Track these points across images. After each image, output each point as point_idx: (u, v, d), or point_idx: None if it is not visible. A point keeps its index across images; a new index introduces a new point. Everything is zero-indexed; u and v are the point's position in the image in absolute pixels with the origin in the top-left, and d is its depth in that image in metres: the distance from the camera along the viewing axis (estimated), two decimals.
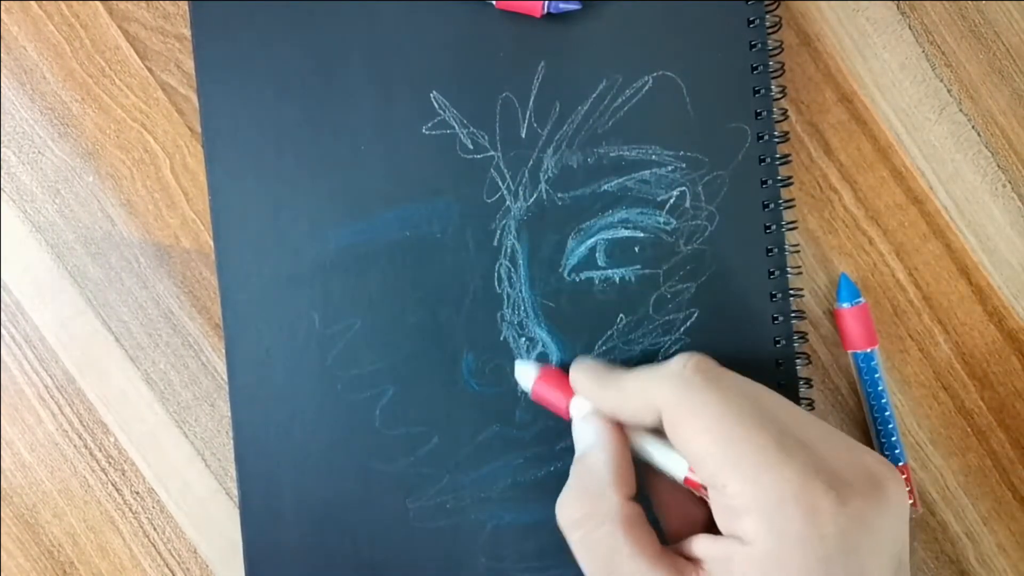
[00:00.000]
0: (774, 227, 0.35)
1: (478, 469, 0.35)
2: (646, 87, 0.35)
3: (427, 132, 0.35)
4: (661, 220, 0.35)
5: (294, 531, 0.35)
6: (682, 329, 0.35)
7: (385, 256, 0.35)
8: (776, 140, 0.35)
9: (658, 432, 0.30)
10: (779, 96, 0.35)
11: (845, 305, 0.37)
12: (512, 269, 0.35)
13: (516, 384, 0.35)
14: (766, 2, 0.35)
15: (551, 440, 0.35)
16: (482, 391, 0.35)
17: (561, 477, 0.35)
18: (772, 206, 0.35)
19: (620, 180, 0.35)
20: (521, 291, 0.35)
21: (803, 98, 0.37)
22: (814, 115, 0.37)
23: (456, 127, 0.35)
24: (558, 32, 0.34)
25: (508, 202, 0.35)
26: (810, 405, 0.35)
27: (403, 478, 0.35)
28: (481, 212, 0.35)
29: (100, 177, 0.37)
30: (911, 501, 0.37)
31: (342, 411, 0.35)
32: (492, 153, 0.35)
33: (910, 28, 0.37)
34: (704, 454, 0.27)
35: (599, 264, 0.35)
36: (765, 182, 0.35)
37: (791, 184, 0.36)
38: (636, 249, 0.35)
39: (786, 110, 0.36)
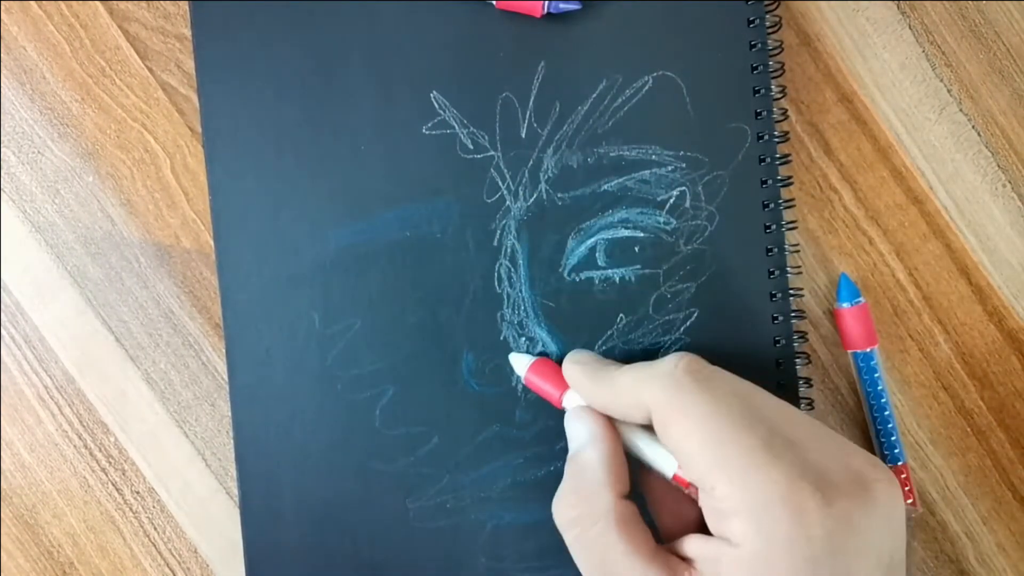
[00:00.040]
0: (774, 227, 0.35)
1: (478, 469, 0.35)
2: (646, 87, 0.35)
3: (427, 132, 0.35)
4: (661, 220, 0.35)
5: (294, 531, 0.35)
6: (682, 329, 0.35)
7: (385, 256, 0.35)
8: (776, 140, 0.35)
9: (649, 428, 0.30)
10: (779, 96, 0.35)
11: (845, 305, 0.37)
12: (512, 269, 0.35)
13: (516, 384, 0.35)
14: (766, 2, 0.35)
15: (551, 440, 0.35)
16: (482, 391, 0.35)
17: (561, 477, 0.35)
18: (772, 206, 0.35)
19: (620, 180, 0.35)
20: (521, 291, 0.35)
21: (803, 98, 0.37)
22: (814, 115, 0.37)
23: (456, 127, 0.35)
24: (558, 32, 0.34)
25: (508, 202, 0.35)
26: (810, 405, 0.35)
27: (403, 478, 0.35)
28: (481, 212, 0.35)
29: (100, 177, 0.37)
30: (910, 500, 0.37)
31: (342, 411, 0.35)
32: (492, 153, 0.35)
33: (910, 28, 0.37)
34: (693, 455, 0.27)
35: (599, 264, 0.35)
36: (765, 182, 0.35)
37: (791, 184, 0.36)
38: (636, 249, 0.35)
39: (786, 110, 0.36)
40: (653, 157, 0.35)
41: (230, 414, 0.35)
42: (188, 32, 0.36)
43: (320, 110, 0.35)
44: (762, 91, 0.35)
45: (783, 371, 0.35)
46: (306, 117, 0.35)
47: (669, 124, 0.35)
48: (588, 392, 0.32)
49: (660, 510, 0.32)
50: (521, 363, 0.34)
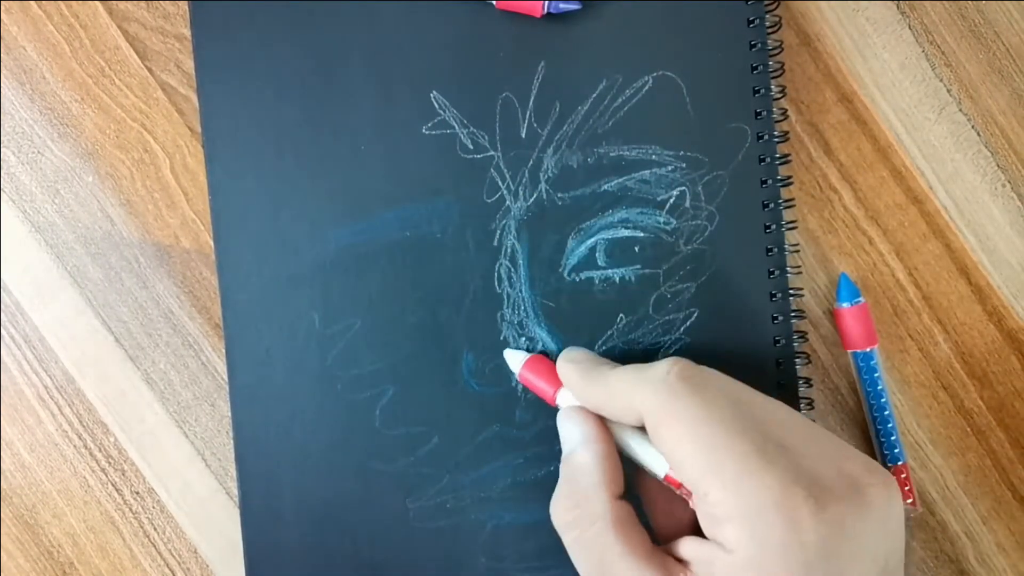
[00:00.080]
0: (774, 227, 0.35)
1: (478, 469, 0.35)
2: (646, 87, 0.35)
3: (427, 132, 0.35)
4: (661, 220, 0.35)
5: (294, 531, 0.35)
6: (682, 329, 0.35)
7: (385, 256, 0.35)
8: (776, 140, 0.35)
9: (642, 428, 0.30)
10: (779, 96, 0.35)
11: (845, 305, 0.37)
12: (512, 269, 0.35)
13: (516, 384, 0.35)
14: (766, 2, 0.35)
15: (551, 440, 0.35)
16: (482, 391, 0.35)
17: None
18: (772, 206, 0.35)
19: (620, 180, 0.35)
20: (521, 291, 0.35)
21: (803, 98, 0.37)
22: (814, 115, 0.37)
23: (456, 127, 0.35)
24: (558, 32, 0.34)
25: (508, 202, 0.35)
26: (810, 405, 0.35)
27: (403, 478, 0.35)
28: (481, 212, 0.35)
29: (100, 177, 0.37)
30: (910, 500, 0.37)
31: (342, 411, 0.35)
32: (492, 153, 0.35)
33: (910, 28, 0.37)
34: (685, 460, 0.27)
35: (599, 264, 0.35)
36: (765, 182, 0.35)
37: (791, 184, 0.36)
38: (636, 249, 0.35)
39: (786, 110, 0.36)
40: (653, 157, 0.35)
41: (230, 414, 0.35)
42: (188, 32, 0.36)
43: (320, 110, 0.35)
44: (762, 91, 0.35)
45: (783, 371, 0.35)
46: (306, 117, 0.35)
47: (669, 124, 0.35)
48: (581, 392, 0.31)
49: (654, 510, 0.32)
50: (516, 360, 0.34)
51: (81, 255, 0.37)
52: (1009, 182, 0.38)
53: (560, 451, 0.35)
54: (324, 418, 0.35)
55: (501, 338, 0.35)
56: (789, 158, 0.36)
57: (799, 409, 0.35)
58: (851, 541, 0.26)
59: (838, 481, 0.26)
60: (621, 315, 0.35)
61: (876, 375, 0.37)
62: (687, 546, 0.28)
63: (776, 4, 0.35)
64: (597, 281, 0.35)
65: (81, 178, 0.37)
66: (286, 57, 0.35)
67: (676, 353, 0.35)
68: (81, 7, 0.37)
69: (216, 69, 0.35)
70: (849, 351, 0.37)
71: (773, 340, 0.35)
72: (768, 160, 0.35)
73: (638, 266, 0.35)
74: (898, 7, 0.37)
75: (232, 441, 0.35)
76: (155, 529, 0.38)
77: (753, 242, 0.35)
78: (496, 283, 0.35)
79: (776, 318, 0.35)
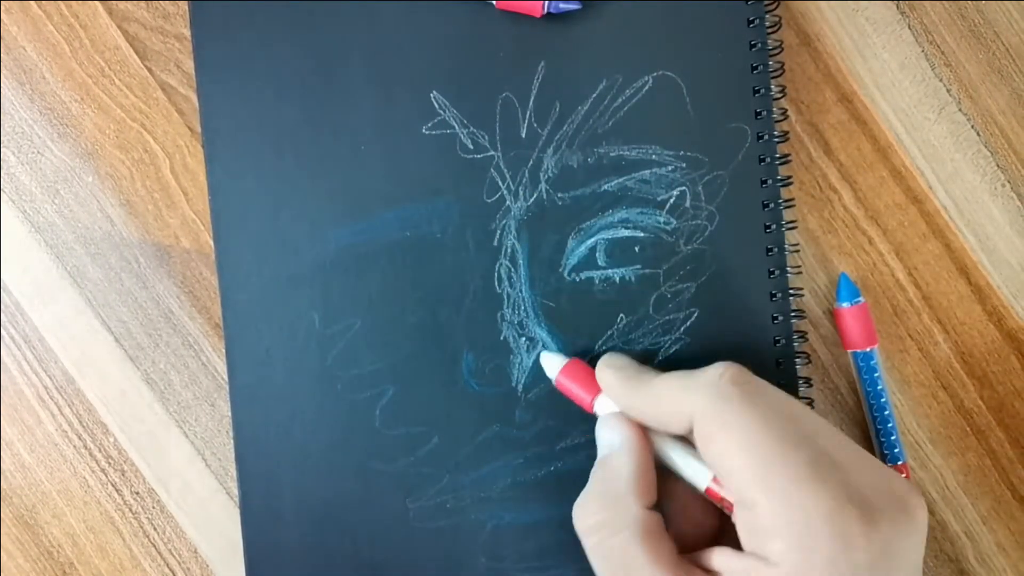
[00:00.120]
0: (774, 227, 0.35)
1: (478, 469, 0.35)
2: (646, 87, 0.35)
3: (427, 132, 0.35)
4: (661, 220, 0.35)
5: (294, 531, 0.35)
6: (682, 329, 0.35)
7: (385, 256, 0.35)
8: (776, 140, 0.35)
9: (682, 438, 0.30)
10: (779, 96, 0.35)
11: (845, 305, 0.37)
12: (512, 269, 0.35)
13: (516, 384, 0.35)
14: (766, 2, 0.35)
15: (551, 440, 0.35)
16: (482, 391, 0.35)
17: (561, 477, 0.35)
18: (772, 206, 0.35)
19: (620, 180, 0.35)
20: (521, 291, 0.35)
21: (803, 98, 0.37)
22: (814, 115, 0.37)
23: (456, 127, 0.35)
24: (558, 32, 0.34)
25: (508, 202, 0.35)
26: (810, 405, 0.35)
27: (403, 478, 0.35)
28: (481, 212, 0.35)
29: (100, 177, 0.37)
30: None
31: (342, 411, 0.35)
32: (492, 153, 0.35)
33: (910, 28, 0.37)
34: (736, 470, 0.27)
35: (599, 264, 0.35)
36: (765, 182, 0.35)
37: (791, 184, 0.36)
38: (636, 249, 0.35)
39: (786, 110, 0.36)
40: (653, 157, 0.35)
41: (230, 414, 0.35)
42: (188, 32, 0.36)
43: (320, 110, 0.35)
44: (762, 91, 0.35)
45: (783, 371, 0.35)
46: (306, 117, 0.35)
47: (669, 124, 0.35)
48: (624, 399, 0.31)
49: (679, 518, 0.31)
50: (553, 364, 0.34)
51: (81, 255, 0.37)
52: (1009, 182, 0.38)
53: (561, 450, 0.35)
54: (324, 418, 0.35)
55: (501, 338, 0.35)
56: (789, 158, 0.36)
57: None
58: (897, 559, 0.26)
59: (888, 501, 0.26)
60: (621, 315, 0.35)
61: (876, 375, 0.37)
62: (720, 557, 0.28)
63: (776, 4, 0.35)
64: (597, 281, 0.35)
65: (81, 178, 0.37)
66: (286, 57, 0.35)
67: (676, 353, 0.35)
68: (81, 7, 0.37)
69: (216, 69, 0.35)
70: (849, 351, 0.37)
71: (773, 340, 0.35)
72: (768, 160, 0.35)
73: (638, 266, 0.35)
74: (898, 7, 0.37)
75: (232, 441, 0.35)
76: (155, 529, 0.38)
77: (753, 242, 0.35)
78: (496, 283, 0.35)
79: (776, 318, 0.35)
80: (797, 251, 0.37)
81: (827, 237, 0.38)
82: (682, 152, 0.35)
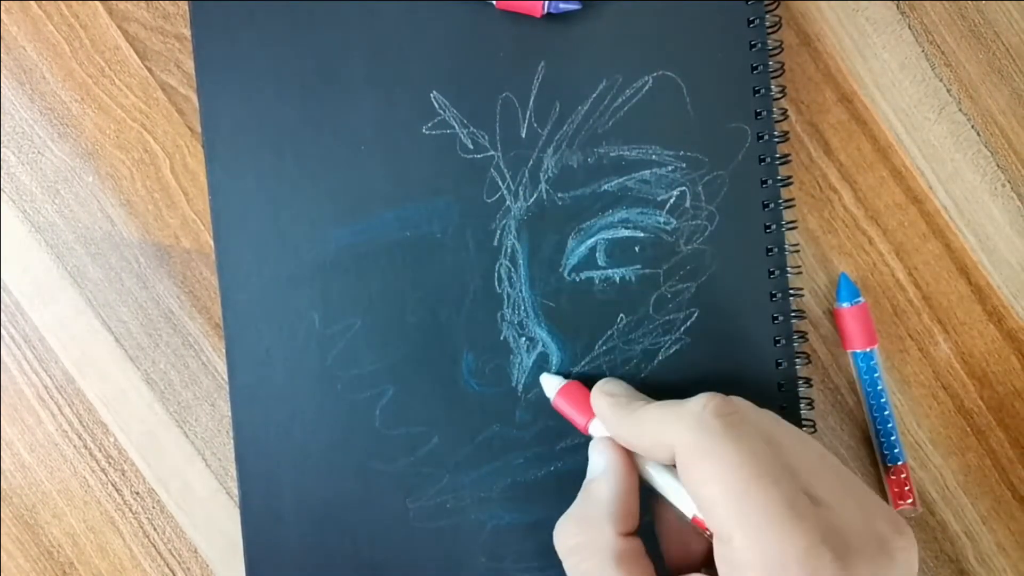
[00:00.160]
0: (774, 227, 0.35)
1: (478, 469, 0.35)
2: (646, 87, 0.35)
3: (427, 132, 0.35)
4: (661, 220, 0.35)
5: (294, 531, 0.35)
6: (682, 329, 0.35)
7: (385, 256, 0.35)
8: (776, 140, 0.35)
9: (673, 466, 0.30)
10: (779, 96, 0.35)
11: (845, 305, 0.37)
12: (512, 269, 0.35)
13: (516, 384, 0.35)
14: (766, 2, 0.35)
15: (551, 440, 0.35)
16: (482, 391, 0.35)
17: (561, 477, 0.35)
18: (772, 206, 0.35)
19: (620, 180, 0.35)
20: (521, 291, 0.35)
21: (803, 98, 0.37)
22: (814, 115, 0.37)
23: (456, 127, 0.35)
24: (558, 32, 0.34)
25: (508, 202, 0.35)
26: (810, 405, 0.35)
27: (403, 478, 0.35)
28: (481, 212, 0.35)
29: (100, 177, 0.37)
30: (910, 500, 0.37)
31: (342, 411, 0.35)
32: (492, 153, 0.35)
33: (910, 28, 0.37)
34: (713, 503, 0.27)
35: (599, 264, 0.35)
36: (765, 182, 0.35)
37: (791, 184, 0.36)
38: (636, 249, 0.35)
39: (786, 110, 0.36)
40: (653, 157, 0.35)
41: (230, 414, 0.35)
42: (188, 32, 0.36)
43: (320, 110, 0.35)
44: (762, 91, 0.35)
45: (783, 371, 0.35)
46: (306, 117, 0.35)
47: (669, 124, 0.35)
48: (612, 426, 0.31)
49: (668, 541, 0.31)
50: (551, 385, 0.34)
51: (81, 255, 0.37)
52: (1009, 182, 0.38)
53: (561, 450, 0.35)
54: (324, 418, 0.35)
55: (501, 338, 0.35)
56: (789, 158, 0.36)
57: (799, 409, 0.35)
58: None
59: (867, 541, 0.26)
60: (621, 315, 0.35)
61: (876, 375, 0.37)
62: None
63: (776, 4, 0.35)
64: (597, 281, 0.35)
65: (81, 178, 0.37)
66: (286, 57, 0.35)
67: (676, 353, 0.35)
68: (81, 7, 0.37)
69: (216, 69, 0.35)
70: (849, 351, 0.37)
71: (773, 340, 0.35)
72: (768, 160, 0.35)
73: (638, 266, 0.35)
74: (898, 7, 0.37)
75: (232, 441, 0.35)
76: (155, 529, 0.38)
77: (753, 242, 0.35)
78: (496, 283, 0.35)
79: (776, 318, 0.35)
80: (797, 251, 0.37)
81: (827, 237, 0.38)
82: (682, 152, 0.35)
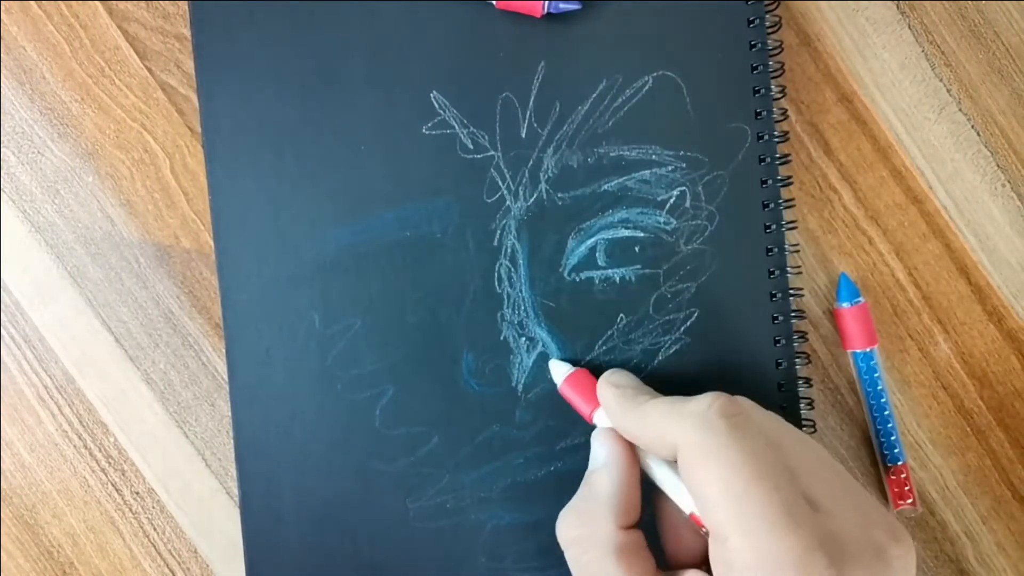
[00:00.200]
0: (774, 227, 0.35)
1: (478, 469, 0.35)
2: (646, 87, 0.35)
3: (427, 132, 0.35)
4: (661, 220, 0.35)
5: (294, 531, 0.35)
6: (682, 329, 0.35)
7: (385, 256, 0.35)
8: (776, 140, 0.35)
9: (674, 462, 0.30)
10: (779, 96, 0.35)
11: (845, 305, 0.37)
12: (512, 269, 0.35)
13: (516, 384, 0.35)
14: (766, 2, 0.35)
15: (551, 440, 0.35)
16: (482, 391, 0.35)
17: (561, 477, 0.35)
18: (772, 206, 0.35)
19: (620, 180, 0.35)
20: (521, 291, 0.35)
21: (803, 98, 0.37)
22: (814, 115, 0.37)
23: (456, 127, 0.35)
24: (558, 32, 0.34)
25: (508, 202, 0.35)
26: (810, 405, 0.35)
27: (403, 478, 0.35)
28: (481, 212, 0.35)
29: (100, 177, 0.37)
30: (910, 500, 0.37)
31: (342, 411, 0.35)
32: (492, 153, 0.35)
33: (910, 28, 0.37)
34: (712, 503, 0.27)
35: (599, 264, 0.35)
36: (765, 182, 0.35)
37: (791, 184, 0.36)
38: (636, 249, 0.35)
39: (786, 110, 0.36)
40: (653, 157, 0.35)
41: (230, 414, 0.35)
42: (188, 32, 0.36)
43: (320, 110, 0.35)
44: (762, 91, 0.35)
45: (783, 371, 0.35)
46: (306, 117, 0.35)
47: (669, 124, 0.35)
48: (616, 418, 0.31)
49: (670, 536, 0.31)
50: (559, 372, 0.34)
51: (81, 255, 0.37)
52: (1009, 182, 0.38)
53: (561, 450, 0.35)
54: (324, 418, 0.35)
55: (501, 338, 0.35)
56: (789, 158, 0.36)
57: (799, 409, 0.35)
58: None
59: (863, 547, 0.26)
60: (621, 315, 0.35)
61: (876, 375, 0.37)
62: None
63: (776, 4, 0.35)
64: (597, 281, 0.35)
65: (81, 178, 0.37)
66: (286, 57, 0.35)
67: (676, 353, 0.35)
68: (81, 7, 0.37)
69: (216, 69, 0.35)
70: (849, 351, 0.37)
71: (773, 340, 0.35)
72: (768, 160, 0.35)
73: (638, 266, 0.35)
74: (898, 7, 0.37)
75: (232, 441, 0.35)
76: (155, 529, 0.38)
77: (753, 242, 0.35)
78: (496, 283, 0.35)
79: (776, 318, 0.35)
80: (797, 251, 0.37)
81: (827, 237, 0.38)
82: (682, 152, 0.35)
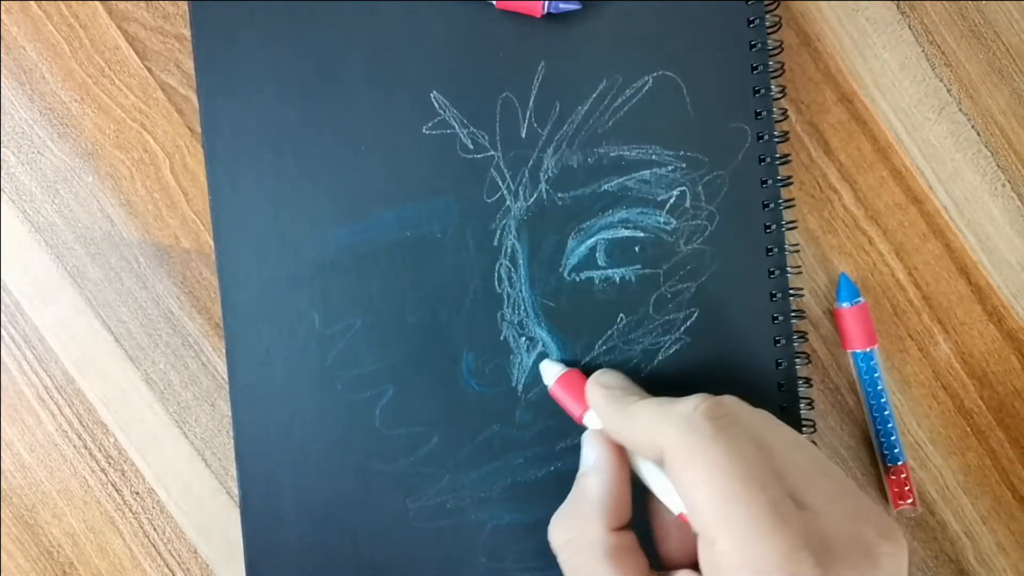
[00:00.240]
0: (774, 227, 0.35)
1: (478, 469, 0.35)
2: (646, 87, 0.35)
3: (427, 132, 0.35)
4: (661, 220, 0.35)
5: (294, 531, 0.35)
6: (682, 329, 0.35)
7: (385, 256, 0.35)
8: (776, 140, 0.35)
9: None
10: (779, 96, 0.35)
11: (845, 305, 0.37)
12: (512, 269, 0.35)
13: (516, 384, 0.35)
14: (766, 2, 0.35)
15: (551, 440, 0.35)
16: (482, 391, 0.35)
17: (561, 477, 0.35)
18: (772, 206, 0.35)
19: (620, 180, 0.35)
20: (521, 291, 0.35)
21: (803, 98, 0.37)
22: (814, 115, 0.37)
23: (456, 127, 0.35)
24: (558, 32, 0.34)
25: (508, 202, 0.35)
26: (810, 405, 0.35)
27: (403, 478, 0.35)
28: (481, 212, 0.35)
29: (100, 177, 0.37)
30: (910, 500, 0.37)
31: (342, 411, 0.35)
32: (492, 153, 0.35)
33: (910, 28, 0.37)
34: (698, 504, 0.27)
35: (599, 264, 0.35)
36: (765, 182, 0.35)
37: (791, 184, 0.36)
38: (636, 249, 0.35)
39: (786, 110, 0.36)
40: (653, 157, 0.35)
41: (230, 414, 0.35)
42: (187, 32, 0.36)
43: (320, 110, 0.35)
44: (762, 91, 0.35)
45: (783, 371, 0.35)
46: (306, 117, 0.35)
47: (669, 124, 0.35)
48: (605, 419, 0.31)
49: (663, 536, 0.31)
50: (550, 373, 0.34)
51: (81, 255, 0.37)
52: (1009, 182, 0.38)
53: (561, 450, 0.35)
54: (324, 418, 0.35)
55: (501, 338, 0.35)
56: (789, 158, 0.36)
57: (799, 409, 0.35)
58: None
59: (850, 546, 0.26)
60: (621, 315, 0.35)
61: (876, 375, 0.37)
62: None
63: (776, 4, 0.35)
64: (597, 281, 0.35)
65: (81, 178, 0.37)
66: (286, 57, 0.35)
67: (676, 353, 0.35)
68: (81, 7, 0.37)
69: (216, 69, 0.35)
70: (849, 351, 0.37)
71: (773, 340, 0.35)
72: (768, 160, 0.35)
73: (638, 266, 0.35)
74: (898, 7, 0.37)
75: (232, 441, 0.35)
76: (155, 529, 0.38)
77: (753, 242, 0.35)
78: (496, 283, 0.35)
79: (776, 318, 0.35)
80: (797, 251, 0.37)
81: (827, 237, 0.38)
82: (682, 152, 0.35)
